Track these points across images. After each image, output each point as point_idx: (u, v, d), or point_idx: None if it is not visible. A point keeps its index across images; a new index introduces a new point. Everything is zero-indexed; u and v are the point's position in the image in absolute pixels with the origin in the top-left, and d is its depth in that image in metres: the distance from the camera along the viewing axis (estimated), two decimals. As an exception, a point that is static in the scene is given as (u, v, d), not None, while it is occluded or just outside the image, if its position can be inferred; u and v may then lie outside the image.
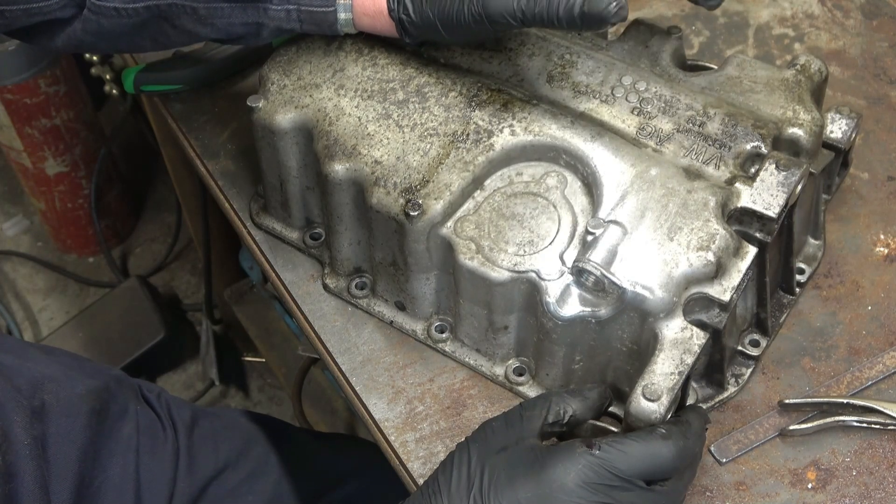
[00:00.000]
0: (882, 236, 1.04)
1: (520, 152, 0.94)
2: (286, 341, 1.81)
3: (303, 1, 0.88)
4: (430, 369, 0.98)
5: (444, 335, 0.99)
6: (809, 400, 0.93)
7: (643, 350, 0.86)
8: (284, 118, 0.97)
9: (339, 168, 0.94)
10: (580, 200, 0.91)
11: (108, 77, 1.81)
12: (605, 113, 0.93)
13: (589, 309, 0.86)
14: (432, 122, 0.94)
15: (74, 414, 1.04)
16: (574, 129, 0.91)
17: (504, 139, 0.93)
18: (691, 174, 0.89)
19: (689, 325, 0.84)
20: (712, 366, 0.92)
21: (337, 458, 1.27)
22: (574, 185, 0.92)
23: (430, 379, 0.98)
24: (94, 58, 1.81)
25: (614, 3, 0.79)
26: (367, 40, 0.99)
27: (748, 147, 0.91)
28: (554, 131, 0.92)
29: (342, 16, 0.88)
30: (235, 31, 0.90)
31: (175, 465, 1.12)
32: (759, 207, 0.87)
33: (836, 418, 0.92)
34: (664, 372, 0.82)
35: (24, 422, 0.97)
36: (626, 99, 0.94)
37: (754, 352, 0.96)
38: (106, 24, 0.89)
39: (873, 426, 0.92)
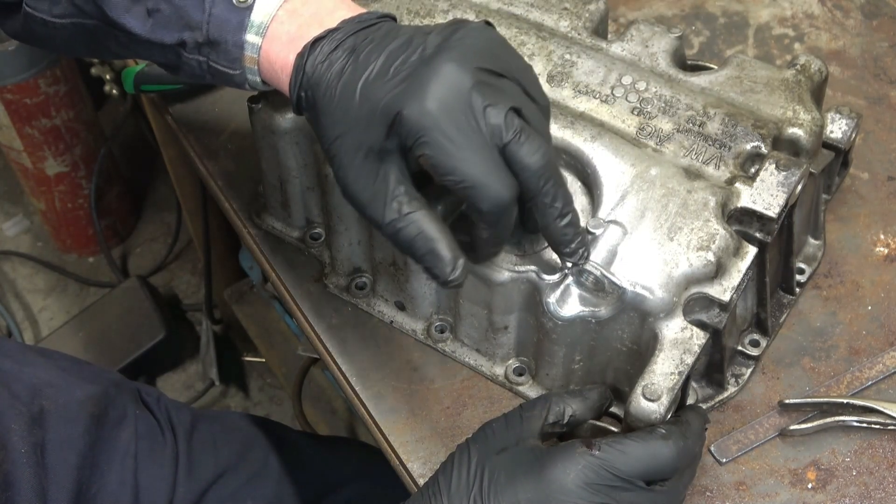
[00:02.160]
0: (882, 236, 1.04)
1: (520, 152, 0.94)
2: (286, 341, 1.81)
3: (211, 56, 0.84)
4: (430, 369, 0.98)
5: (444, 335, 0.99)
6: (809, 400, 0.93)
7: (643, 350, 0.86)
8: (284, 118, 0.97)
9: (339, 168, 0.94)
10: (580, 200, 0.91)
11: (108, 77, 1.81)
12: (605, 113, 0.93)
13: (589, 309, 0.86)
14: (432, 122, 0.94)
15: (73, 420, 1.03)
16: (574, 129, 0.91)
17: (504, 139, 0.93)
18: (691, 174, 0.89)
19: (689, 325, 0.84)
20: (712, 366, 0.92)
21: (336, 461, 1.27)
22: (574, 184, 0.92)
23: (431, 379, 0.98)
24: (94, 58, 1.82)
25: (454, 276, 0.80)
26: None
27: (748, 147, 0.91)
28: (554, 131, 0.91)
29: (250, 78, 0.85)
30: (156, 61, 0.88)
31: (174, 470, 1.12)
32: (759, 207, 0.87)
33: (836, 418, 0.92)
34: (664, 372, 0.82)
35: (22, 429, 0.97)
36: (626, 99, 0.94)
37: (754, 352, 0.96)
38: (38, 31, 0.90)
39: (873, 426, 0.92)
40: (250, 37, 0.82)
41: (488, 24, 0.82)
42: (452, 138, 0.76)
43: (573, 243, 0.83)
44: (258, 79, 0.85)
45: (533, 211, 0.81)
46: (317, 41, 0.80)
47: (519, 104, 0.78)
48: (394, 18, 0.84)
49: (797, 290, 1.00)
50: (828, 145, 0.98)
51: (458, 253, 0.79)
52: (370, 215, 0.80)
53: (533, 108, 0.80)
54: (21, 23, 0.90)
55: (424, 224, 0.79)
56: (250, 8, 0.82)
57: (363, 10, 0.83)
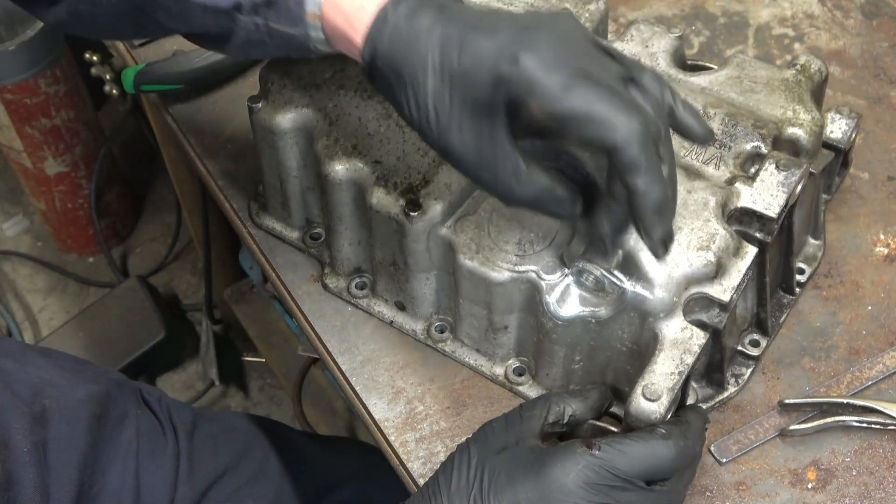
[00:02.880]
0: (882, 236, 1.04)
1: (520, 152, 0.94)
2: (286, 341, 1.81)
3: (270, 17, 0.80)
4: (430, 369, 0.98)
5: (444, 335, 0.99)
6: (809, 400, 0.93)
7: (643, 350, 0.86)
8: (284, 118, 0.97)
9: (339, 168, 0.94)
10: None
11: (108, 77, 1.81)
12: (605, 113, 0.93)
13: (589, 309, 0.86)
14: (432, 122, 0.94)
15: (75, 419, 1.03)
16: (574, 129, 0.91)
17: (504, 139, 0.93)
18: (691, 174, 0.89)
19: (689, 325, 0.84)
20: (712, 366, 0.92)
21: (337, 460, 1.27)
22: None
23: (430, 379, 0.98)
24: (94, 58, 1.81)
25: None
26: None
27: (748, 147, 0.91)
28: (554, 131, 0.92)
29: (313, 35, 0.80)
30: (209, 30, 0.84)
31: (175, 470, 1.12)
32: (759, 207, 0.87)
33: (836, 418, 0.92)
34: (664, 372, 0.82)
35: (24, 428, 0.97)
36: (626, 99, 0.94)
37: (754, 352, 0.96)
38: (83, 10, 0.87)
39: (873, 426, 0.92)
40: None
41: None
42: (570, 79, 0.72)
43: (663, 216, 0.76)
44: (321, 35, 0.80)
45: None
46: None
47: (630, 74, 0.76)
48: None
49: (797, 290, 1.00)
50: (828, 145, 0.98)
51: (573, 188, 0.79)
52: (481, 178, 0.77)
53: (642, 76, 0.78)
54: (66, 7, 0.87)
55: (540, 179, 0.77)
56: None
57: None
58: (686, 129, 0.80)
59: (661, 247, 0.78)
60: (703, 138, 0.81)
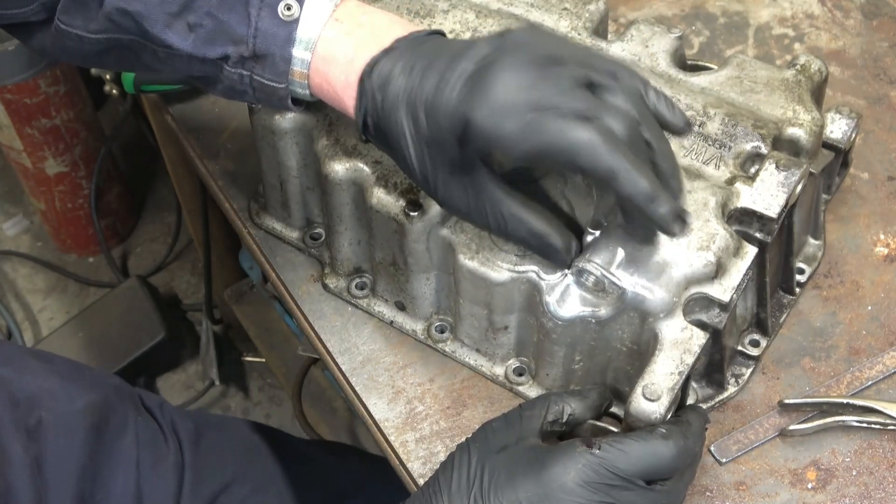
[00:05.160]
0: (882, 236, 1.04)
1: (520, 152, 0.94)
2: (286, 341, 1.81)
3: (256, 70, 0.84)
4: (430, 369, 0.98)
5: (444, 335, 0.99)
6: (809, 400, 0.93)
7: (643, 350, 0.86)
8: (284, 118, 0.97)
9: (339, 168, 0.94)
10: (580, 200, 0.91)
11: (108, 77, 1.81)
12: (605, 113, 0.93)
13: (589, 309, 0.86)
14: (432, 122, 0.94)
15: (73, 431, 1.03)
16: (574, 129, 0.91)
17: (504, 139, 0.93)
18: (691, 174, 0.89)
19: (689, 325, 0.84)
20: (712, 366, 0.92)
21: (343, 470, 1.26)
22: (574, 184, 0.92)
23: (430, 379, 0.98)
24: (94, 58, 1.81)
25: None
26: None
27: (748, 147, 0.91)
28: (554, 131, 0.91)
29: (300, 91, 0.85)
30: (193, 75, 0.87)
31: (179, 479, 1.11)
32: (759, 207, 0.87)
33: (836, 418, 0.92)
34: (664, 372, 0.82)
35: (23, 439, 0.97)
36: (626, 99, 0.94)
37: (754, 352, 0.96)
38: (69, 46, 0.89)
39: (873, 426, 0.92)
40: (298, 52, 0.82)
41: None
42: (522, 122, 0.74)
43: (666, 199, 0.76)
44: (307, 92, 0.85)
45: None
46: (375, 63, 0.81)
47: (587, 78, 0.77)
48: (443, 34, 0.85)
49: (797, 290, 1.00)
50: (828, 145, 0.98)
51: (568, 235, 0.84)
52: (475, 223, 0.85)
53: (603, 76, 0.78)
54: (52, 38, 0.89)
55: (530, 222, 0.81)
56: (297, 22, 0.82)
57: (415, 28, 0.84)
58: (659, 120, 0.81)
59: (673, 224, 0.77)
60: (678, 129, 0.81)
